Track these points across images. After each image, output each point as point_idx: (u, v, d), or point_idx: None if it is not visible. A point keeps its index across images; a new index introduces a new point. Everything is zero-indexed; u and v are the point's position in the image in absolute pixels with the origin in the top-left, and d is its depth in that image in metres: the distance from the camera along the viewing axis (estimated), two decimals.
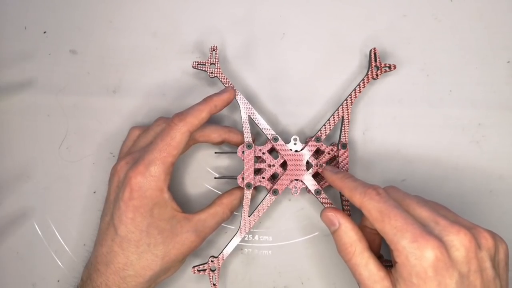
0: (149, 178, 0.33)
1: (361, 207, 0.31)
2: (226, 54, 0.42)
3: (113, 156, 0.42)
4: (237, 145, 0.38)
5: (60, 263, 0.41)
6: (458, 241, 0.27)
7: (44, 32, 0.43)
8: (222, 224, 0.39)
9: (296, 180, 0.38)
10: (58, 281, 0.41)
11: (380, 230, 0.29)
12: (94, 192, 0.41)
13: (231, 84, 0.38)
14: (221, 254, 0.37)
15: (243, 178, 0.38)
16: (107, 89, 0.42)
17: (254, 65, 0.42)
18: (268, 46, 0.42)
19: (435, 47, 0.42)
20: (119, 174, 0.34)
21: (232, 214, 0.38)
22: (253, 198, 0.39)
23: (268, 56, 0.42)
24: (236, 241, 0.37)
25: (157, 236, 0.33)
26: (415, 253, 0.27)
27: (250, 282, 0.40)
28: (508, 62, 0.42)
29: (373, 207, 0.30)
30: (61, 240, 0.41)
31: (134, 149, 0.36)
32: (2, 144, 0.42)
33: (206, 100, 0.35)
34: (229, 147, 0.42)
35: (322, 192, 0.38)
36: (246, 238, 0.41)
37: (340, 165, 0.38)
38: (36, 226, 0.41)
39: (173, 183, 0.36)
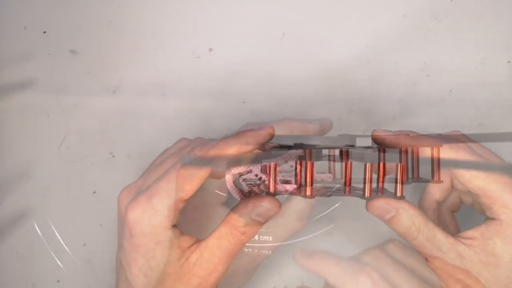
0: (149, 212, 0.28)
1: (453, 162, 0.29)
2: (226, 55, 0.42)
3: (113, 156, 0.42)
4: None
5: (60, 263, 0.41)
6: None
7: (44, 32, 0.43)
8: None
9: None
10: (58, 281, 0.41)
11: (481, 187, 0.28)
12: (94, 192, 0.41)
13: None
14: None
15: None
16: (107, 89, 0.42)
17: (254, 65, 0.42)
18: (268, 46, 0.42)
19: (435, 47, 0.42)
20: (121, 206, 0.30)
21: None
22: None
23: (268, 56, 0.42)
24: None
25: (163, 282, 0.29)
26: None
27: (250, 282, 0.40)
28: (508, 62, 0.41)
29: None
30: (61, 240, 0.41)
31: (149, 171, 0.32)
32: (2, 144, 0.42)
33: (238, 135, 0.29)
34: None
35: None
36: None
37: None
38: (36, 226, 0.41)
39: None
